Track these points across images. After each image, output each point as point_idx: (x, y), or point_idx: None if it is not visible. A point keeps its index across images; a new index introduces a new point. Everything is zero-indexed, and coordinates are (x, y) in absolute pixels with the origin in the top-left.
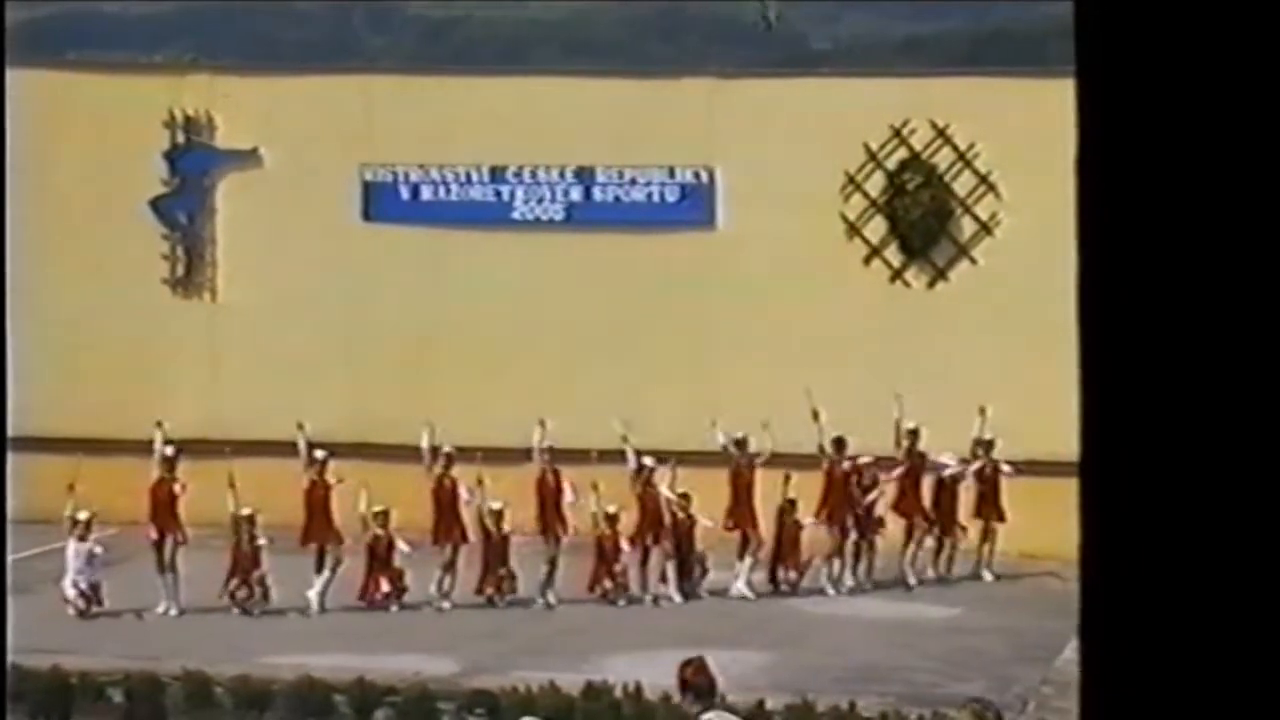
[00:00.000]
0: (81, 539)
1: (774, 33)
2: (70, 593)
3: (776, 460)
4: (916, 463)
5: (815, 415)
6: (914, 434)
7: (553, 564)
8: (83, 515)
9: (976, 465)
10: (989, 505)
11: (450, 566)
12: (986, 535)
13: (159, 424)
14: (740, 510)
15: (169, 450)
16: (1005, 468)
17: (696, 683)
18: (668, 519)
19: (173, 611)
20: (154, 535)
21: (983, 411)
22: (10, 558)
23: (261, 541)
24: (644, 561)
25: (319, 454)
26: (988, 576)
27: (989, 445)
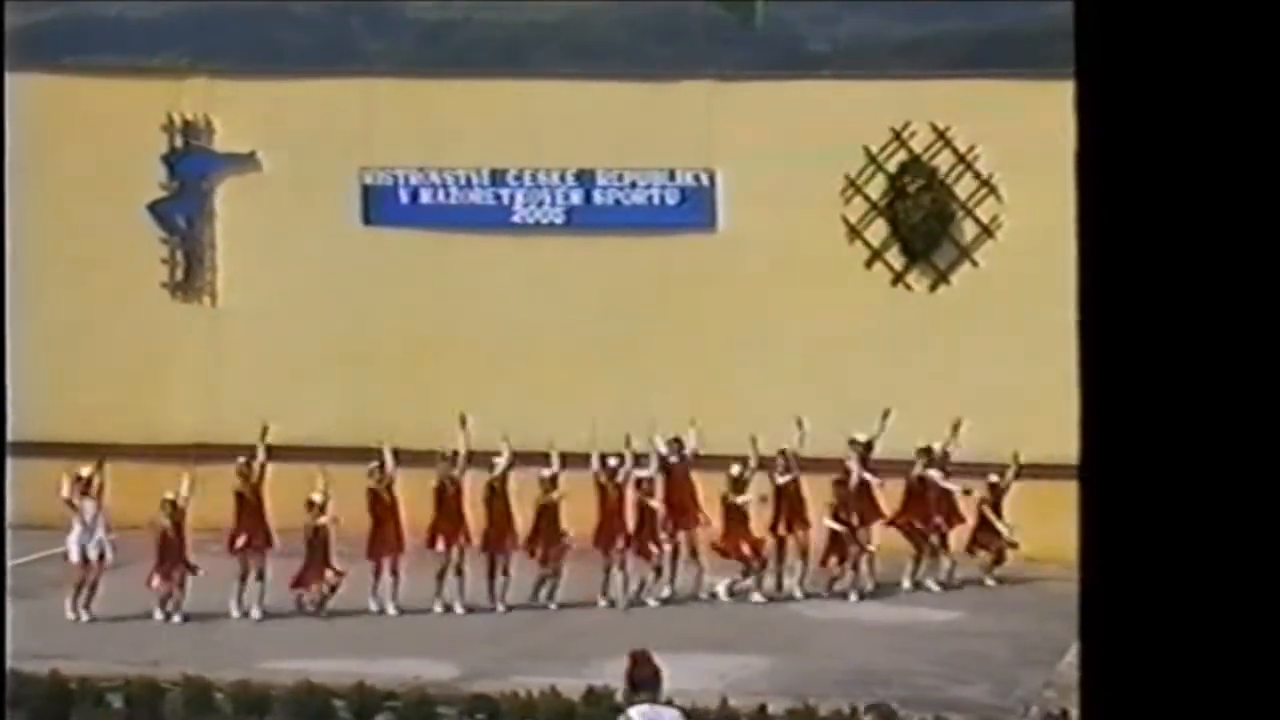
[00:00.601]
0: (84, 494)
1: (772, 35)
2: (75, 556)
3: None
4: (921, 471)
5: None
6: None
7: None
8: (85, 471)
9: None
10: (988, 530)
11: (452, 570)
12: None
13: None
14: (734, 533)
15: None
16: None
17: (640, 676)
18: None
19: (255, 613)
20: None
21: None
22: (11, 563)
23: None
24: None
25: (389, 463)
26: (989, 581)
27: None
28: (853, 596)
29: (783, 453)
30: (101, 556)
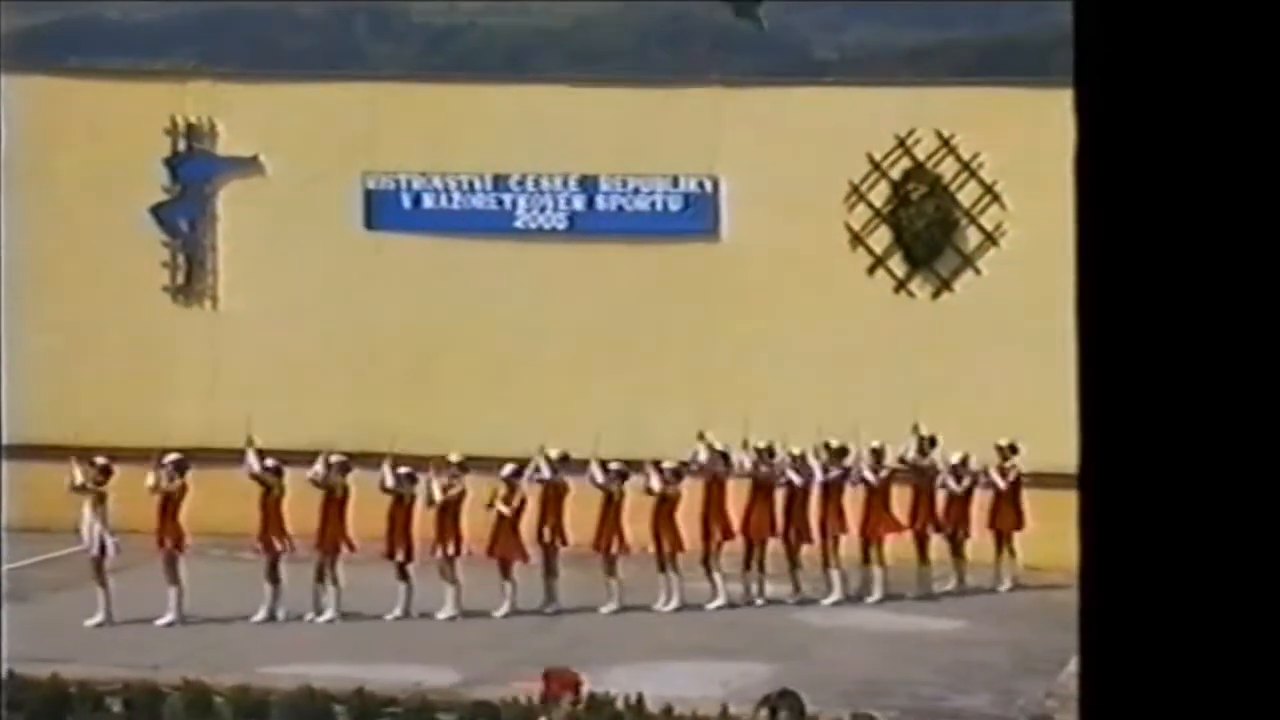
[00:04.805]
0: (99, 483)
1: (778, 41)
2: (95, 548)
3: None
4: (930, 475)
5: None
6: (932, 443)
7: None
8: (100, 460)
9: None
10: (1006, 512)
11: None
12: (1002, 545)
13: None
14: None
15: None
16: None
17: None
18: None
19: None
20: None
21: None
22: (8, 566)
23: None
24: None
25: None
26: (1005, 586)
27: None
28: (876, 595)
29: (797, 455)
30: (103, 551)
